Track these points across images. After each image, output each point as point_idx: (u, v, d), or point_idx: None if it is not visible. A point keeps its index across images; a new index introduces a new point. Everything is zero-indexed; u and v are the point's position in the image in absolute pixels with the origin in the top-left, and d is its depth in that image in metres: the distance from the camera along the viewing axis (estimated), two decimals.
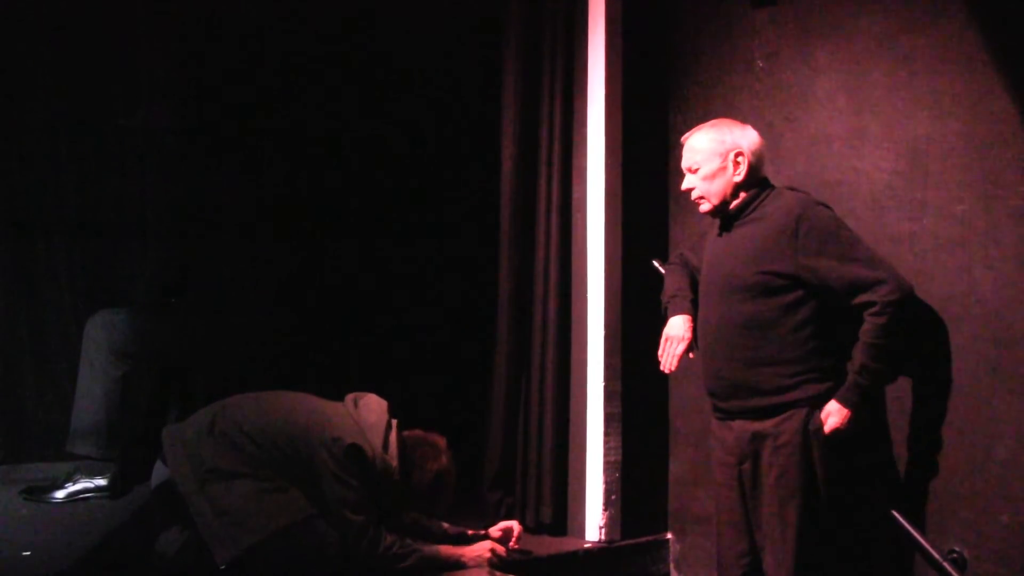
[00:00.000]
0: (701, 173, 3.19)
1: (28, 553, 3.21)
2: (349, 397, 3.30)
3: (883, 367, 3.03)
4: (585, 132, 3.95)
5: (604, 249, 3.89)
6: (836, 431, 3.03)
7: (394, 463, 3.16)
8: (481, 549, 3.34)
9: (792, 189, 3.25)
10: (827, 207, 3.15)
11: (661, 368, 3.35)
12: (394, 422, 3.24)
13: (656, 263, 3.87)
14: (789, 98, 3.65)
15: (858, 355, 3.02)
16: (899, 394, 3.32)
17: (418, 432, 3.34)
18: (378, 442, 3.14)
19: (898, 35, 3.38)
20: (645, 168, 4.00)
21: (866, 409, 3.06)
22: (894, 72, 3.39)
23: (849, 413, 3.02)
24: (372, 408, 3.24)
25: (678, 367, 3.34)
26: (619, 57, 3.95)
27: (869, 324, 3.00)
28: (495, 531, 3.56)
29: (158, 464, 3.15)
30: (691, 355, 3.33)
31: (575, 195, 3.99)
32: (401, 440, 3.23)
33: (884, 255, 3.35)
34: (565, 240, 3.97)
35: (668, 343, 3.34)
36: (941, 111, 3.28)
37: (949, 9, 3.27)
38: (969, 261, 3.22)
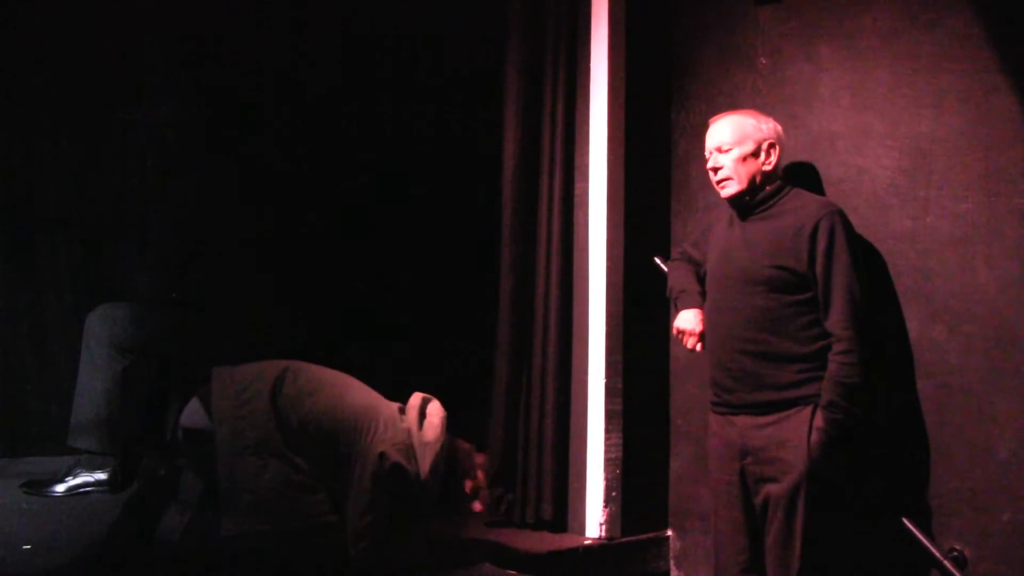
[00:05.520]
0: (733, 154, 3.18)
1: (28, 547, 3.21)
2: (415, 400, 3.25)
3: (849, 405, 3.02)
4: (587, 129, 3.94)
5: (606, 246, 3.88)
6: (829, 445, 3.04)
7: (433, 487, 3.14)
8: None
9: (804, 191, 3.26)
10: (848, 222, 3.14)
11: (690, 347, 3.37)
12: (448, 439, 3.20)
13: (658, 260, 3.87)
14: (792, 95, 3.65)
15: (825, 392, 3.03)
16: (900, 392, 3.31)
17: (467, 446, 3.31)
18: (427, 464, 3.11)
19: (902, 33, 3.38)
20: (647, 165, 4.00)
21: (860, 417, 3.06)
22: (898, 70, 3.39)
23: (827, 445, 3.03)
24: (434, 424, 3.18)
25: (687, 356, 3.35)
26: (622, 54, 3.94)
27: (832, 362, 3.03)
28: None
29: (195, 404, 3.12)
30: (699, 348, 3.34)
31: (577, 192, 3.97)
32: (451, 459, 3.21)
33: (887, 251, 3.36)
34: (567, 237, 3.96)
35: (681, 336, 3.37)
36: (945, 109, 3.28)
37: (953, 7, 3.27)
38: (971, 259, 3.22)
